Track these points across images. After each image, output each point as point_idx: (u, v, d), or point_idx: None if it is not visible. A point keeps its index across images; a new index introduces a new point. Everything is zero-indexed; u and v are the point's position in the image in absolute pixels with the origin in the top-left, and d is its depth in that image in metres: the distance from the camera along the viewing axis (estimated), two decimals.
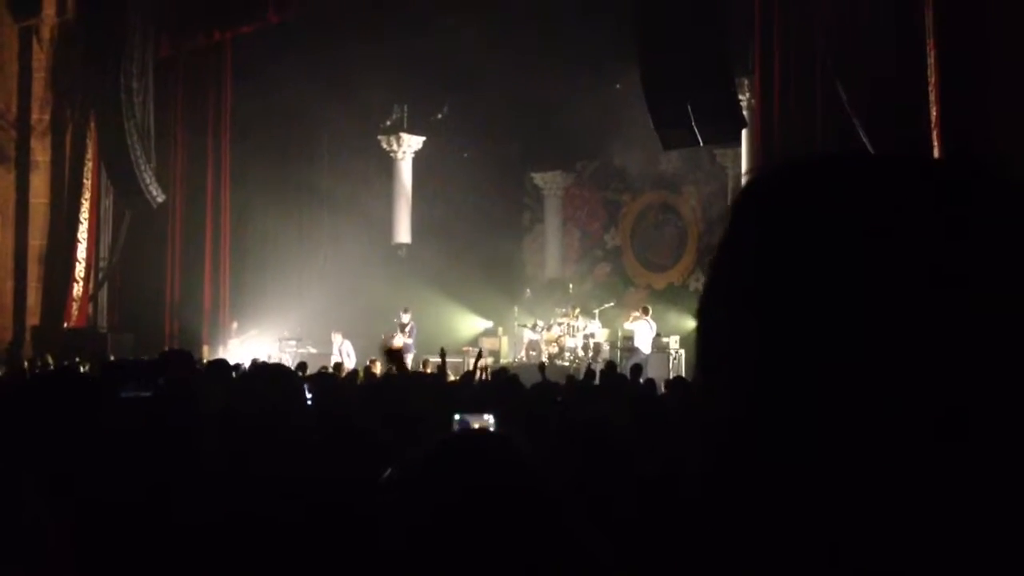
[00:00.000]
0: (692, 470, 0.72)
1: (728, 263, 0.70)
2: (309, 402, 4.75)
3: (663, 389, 9.81)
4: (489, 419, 4.38)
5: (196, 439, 2.82)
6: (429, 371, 13.66)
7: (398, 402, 4.03)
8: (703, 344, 0.71)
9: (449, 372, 13.80)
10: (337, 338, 18.78)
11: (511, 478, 1.48)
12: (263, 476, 2.91)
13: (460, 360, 19.08)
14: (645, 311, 18.56)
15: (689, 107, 12.99)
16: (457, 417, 4.37)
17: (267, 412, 2.94)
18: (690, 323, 16.49)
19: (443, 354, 11.76)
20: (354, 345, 18.67)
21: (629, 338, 18.60)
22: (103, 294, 21.73)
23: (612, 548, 1.69)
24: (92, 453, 2.49)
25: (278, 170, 20.86)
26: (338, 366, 14.52)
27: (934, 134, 11.22)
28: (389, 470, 2.96)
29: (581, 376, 13.41)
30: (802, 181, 0.70)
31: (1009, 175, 0.67)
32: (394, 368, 6.99)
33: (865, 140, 11.48)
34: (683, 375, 14.06)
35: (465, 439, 1.70)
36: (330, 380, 7.31)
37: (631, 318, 18.54)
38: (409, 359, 16.09)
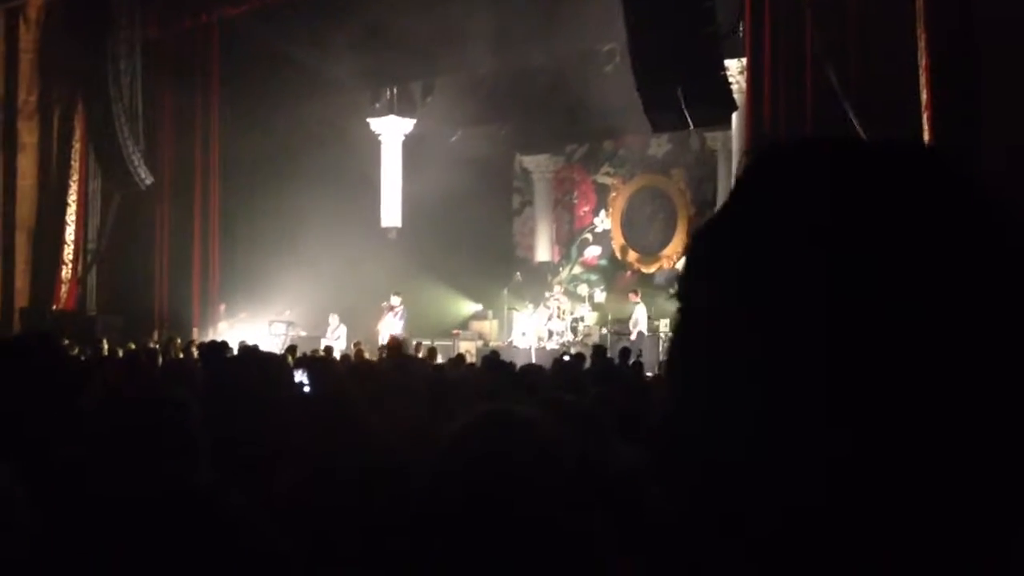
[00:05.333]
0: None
1: (723, 245, 0.69)
2: (306, 387, 4.68)
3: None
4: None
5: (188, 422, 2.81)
6: (421, 355, 13.67)
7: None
8: (682, 328, 0.71)
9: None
10: (334, 320, 18.74)
11: (538, 470, 1.45)
12: (251, 459, 2.90)
13: (450, 343, 19.10)
14: (636, 294, 18.62)
15: (679, 90, 12.97)
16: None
17: (254, 396, 2.93)
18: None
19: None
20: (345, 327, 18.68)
21: (619, 321, 18.59)
22: (92, 276, 21.68)
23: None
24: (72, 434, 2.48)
25: (267, 152, 20.79)
26: (328, 349, 14.50)
27: (924, 117, 11.23)
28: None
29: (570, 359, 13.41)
30: (797, 165, 0.69)
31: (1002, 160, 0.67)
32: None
33: (855, 123, 11.49)
34: None
35: (493, 421, 1.63)
36: (323, 364, 7.28)
37: (630, 299, 18.52)
38: None
